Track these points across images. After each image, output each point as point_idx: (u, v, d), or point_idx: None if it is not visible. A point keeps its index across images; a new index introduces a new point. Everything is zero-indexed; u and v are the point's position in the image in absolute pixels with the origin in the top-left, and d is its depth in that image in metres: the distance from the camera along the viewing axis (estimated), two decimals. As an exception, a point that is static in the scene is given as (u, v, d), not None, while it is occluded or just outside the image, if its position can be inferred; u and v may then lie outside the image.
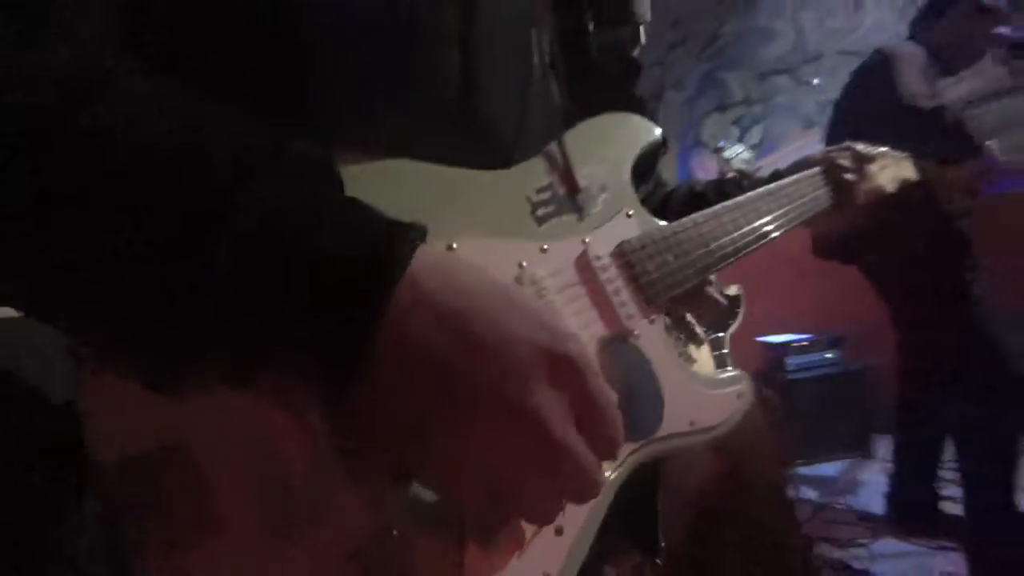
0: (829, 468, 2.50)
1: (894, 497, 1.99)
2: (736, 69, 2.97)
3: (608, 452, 0.31)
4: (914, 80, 1.65)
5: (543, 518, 0.31)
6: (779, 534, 1.35)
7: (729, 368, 0.59)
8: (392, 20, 0.39)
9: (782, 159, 3.04)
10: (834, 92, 2.72)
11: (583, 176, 0.48)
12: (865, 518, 2.05)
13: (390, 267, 0.26)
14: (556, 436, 0.28)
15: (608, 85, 0.61)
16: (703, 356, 0.71)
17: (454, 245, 0.37)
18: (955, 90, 1.67)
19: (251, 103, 0.29)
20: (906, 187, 0.90)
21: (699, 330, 0.69)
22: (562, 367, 0.29)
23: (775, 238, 0.63)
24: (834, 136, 1.90)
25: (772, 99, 2.92)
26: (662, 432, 0.46)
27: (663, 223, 0.53)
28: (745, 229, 0.60)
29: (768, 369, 2.58)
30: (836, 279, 2.06)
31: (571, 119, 0.51)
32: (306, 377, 0.27)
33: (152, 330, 0.26)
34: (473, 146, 0.43)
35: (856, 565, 1.86)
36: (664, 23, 3.17)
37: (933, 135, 1.66)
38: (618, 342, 0.46)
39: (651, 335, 0.48)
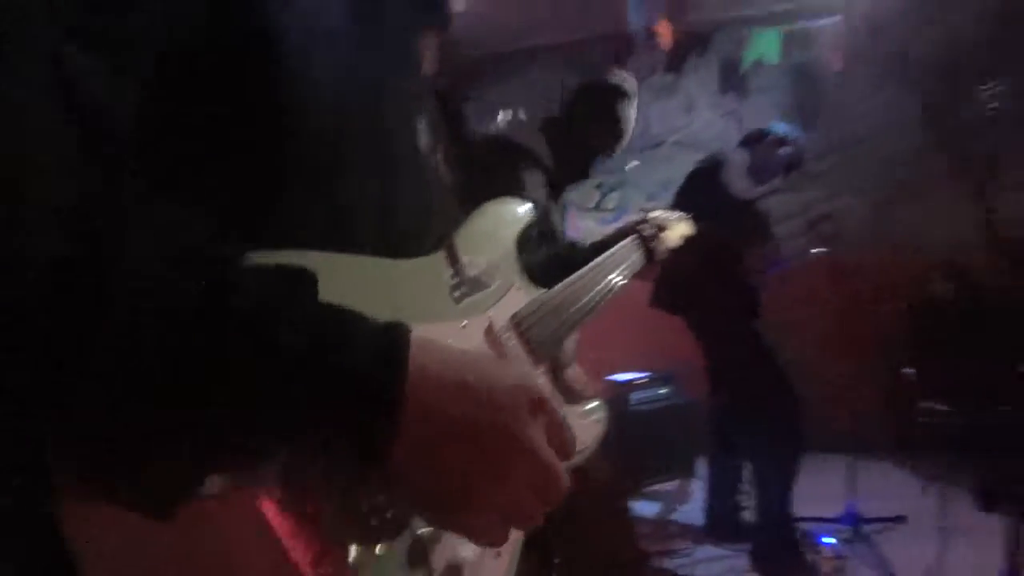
0: (666, 487, 2.90)
1: (708, 509, 2.38)
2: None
3: (571, 450, 0.40)
4: (738, 179, 2.11)
5: (528, 526, 0.38)
6: (617, 548, 1.57)
7: (591, 401, 0.70)
8: (324, 126, 0.43)
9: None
10: (668, 174, 3.29)
11: (480, 259, 0.57)
12: (688, 529, 2.43)
13: (402, 363, 0.32)
14: (545, 459, 0.35)
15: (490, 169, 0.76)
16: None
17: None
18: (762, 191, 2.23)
19: (219, 206, 0.34)
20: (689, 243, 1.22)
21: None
22: (535, 403, 0.36)
23: (617, 292, 0.83)
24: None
25: (624, 173, 3.46)
26: None
27: (543, 291, 0.66)
28: (600, 287, 0.77)
29: (615, 403, 2.95)
30: (668, 326, 2.48)
31: (466, 205, 0.62)
32: (342, 456, 0.33)
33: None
34: (394, 236, 0.48)
35: (681, 572, 2.18)
36: (534, 94, 3.61)
37: (745, 222, 2.16)
38: None
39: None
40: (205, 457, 0.30)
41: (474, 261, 0.55)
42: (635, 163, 3.39)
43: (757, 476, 2.18)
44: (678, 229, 1.18)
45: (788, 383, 2.11)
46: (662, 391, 2.94)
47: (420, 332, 0.34)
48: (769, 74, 3.23)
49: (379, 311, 0.35)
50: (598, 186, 3.46)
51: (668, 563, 2.23)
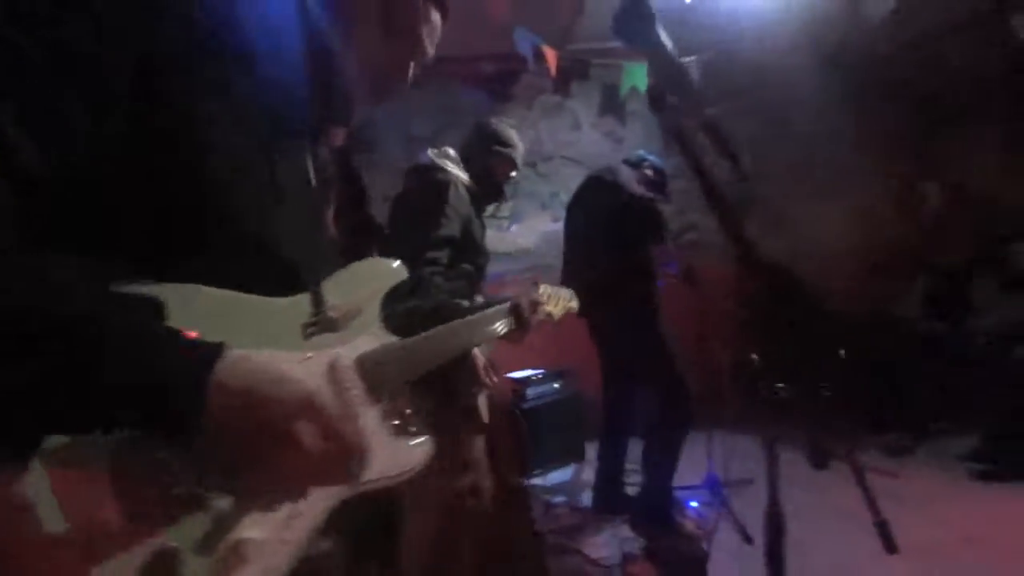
0: (561, 473, 3.13)
1: (595, 487, 2.62)
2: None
3: (352, 452, 0.55)
4: (633, 186, 2.36)
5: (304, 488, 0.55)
6: (515, 533, 1.73)
7: (418, 436, 0.77)
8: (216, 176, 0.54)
9: (526, 230, 3.84)
10: (558, 186, 3.56)
11: (345, 304, 0.68)
12: (578, 509, 2.66)
13: (206, 367, 0.46)
14: (309, 449, 0.49)
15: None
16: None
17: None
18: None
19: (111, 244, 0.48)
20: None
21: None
22: (312, 411, 0.50)
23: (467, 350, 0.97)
24: (569, 222, 2.58)
25: (518, 185, 3.69)
26: (368, 478, 0.67)
27: (396, 339, 0.76)
28: (452, 346, 0.88)
29: (515, 398, 3.13)
30: (563, 326, 2.72)
31: (348, 256, 0.73)
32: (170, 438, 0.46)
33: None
34: (275, 278, 0.59)
35: (571, 545, 2.39)
36: (439, 104, 3.74)
37: (639, 224, 2.40)
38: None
39: (370, 415, 0.69)
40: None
41: (335, 306, 0.66)
42: (528, 172, 3.61)
43: (647, 455, 2.44)
44: (562, 305, 1.31)
45: (681, 371, 2.38)
46: (555, 385, 3.18)
47: (257, 354, 0.49)
48: (641, 102, 3.67)
49: (233, 336, 0.50)
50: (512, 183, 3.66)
51: (562, 539, 2.43)
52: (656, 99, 0.83)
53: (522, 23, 3.02)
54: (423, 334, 0.80)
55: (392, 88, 0.77)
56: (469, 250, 1.69)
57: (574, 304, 1.38)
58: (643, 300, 2.40)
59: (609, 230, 2.34)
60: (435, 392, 1.55)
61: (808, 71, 3.70)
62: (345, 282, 0.70)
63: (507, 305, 1.09)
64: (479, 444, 1.61)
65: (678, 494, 2.60)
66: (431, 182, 1.67)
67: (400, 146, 3.70)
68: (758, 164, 4.01)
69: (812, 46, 3.10)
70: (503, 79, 3.57)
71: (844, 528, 2.32)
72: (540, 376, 3.15)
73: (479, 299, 1.75)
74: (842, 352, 3.29)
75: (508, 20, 2.87)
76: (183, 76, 0.51)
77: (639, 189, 2.39)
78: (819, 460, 3.04)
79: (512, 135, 1.90)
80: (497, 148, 1.86)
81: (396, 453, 0.73)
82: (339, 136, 0.78)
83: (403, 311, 0.95)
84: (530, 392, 3.09)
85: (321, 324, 0.64)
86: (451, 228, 1.61)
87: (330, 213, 0.75)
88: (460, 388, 1.59)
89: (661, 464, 2.38)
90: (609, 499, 2.56)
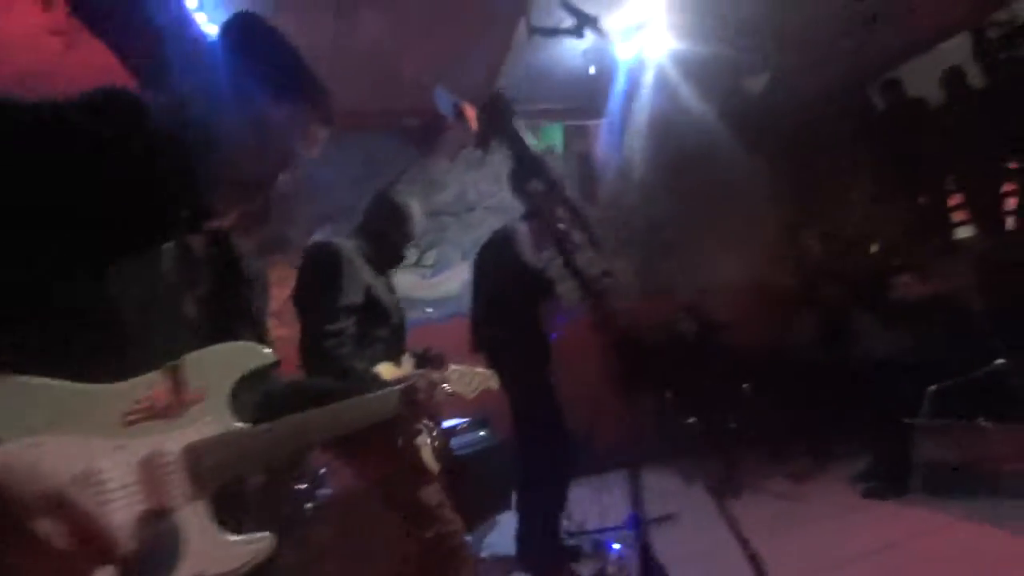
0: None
1: (518, 536, 2.60)
2: (416, 206, 3.79)
3: (102, 550, 0.53)
4: (527, 249, 2.45)
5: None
6: None
7: (251, 534, 0.73)
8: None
9: (449, 278, 3.90)
10: (480, 235, 3.66)
11: (187, 391, 0.66)
12: (500, 559, 2.62)
13: None
14: (45, 540, 0.49)
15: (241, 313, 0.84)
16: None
17: (38, 441, 0.53)
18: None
19: None
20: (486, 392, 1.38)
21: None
22: (61, 505, 0.51)
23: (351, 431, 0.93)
24: (477, 281, 2.65)
25: (442, 233, 3.78)
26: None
27: (241, 426, 0.72)
28: (322, 429, 0.85)
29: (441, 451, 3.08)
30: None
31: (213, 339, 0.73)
32: None
33: None
34: (103, 366, 0.59)
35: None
36: (360, 155, 3.79)
37: (527, 285, 2.51)
38: (158, 515, 0.64)
39: (190, 511, 0.66)
40: None
41: (160, 393, 0.65)
42: (451, 221, 3.72)
43: (526, 500, 2.49)
44: (476, 384, 1.34)
45: (563, 423, 2.49)
46: (481, 433, 3.17)
47: (16, 444, 0.50)
48: (556, 158, 3.94)
49: (41, 424, 0.52)
50: (416, 244, 3.71)
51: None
52: (517, 183, 0.93)
53: (443, 82, 3.17)
54: (284, 419, 0.78)
55: (253, 195, 0.80)
56: (379, 314, 1.71)
57: (493, 383, 1.42)
58: (536, 355, 2.50)
59: (500, 290, 2.46)
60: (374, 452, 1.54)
61: (706, 133, 4.16)
62: (195, 366, 0.69)
63: (401, 387, 1.08)
64: (433, 493, 1.64)
65: (600, 536, 2.65)
66: (324, 255, 1.69)
67: (322, 195, 3.68)
68: (671, 213, 4.38)
69: (703, 112, 3.49)
70: (428, 132, 3.69)
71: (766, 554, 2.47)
72: (465, 425, 3.13)
73: (405, 357, 1.76)
74: (746, 386, 3.55)
75: (427, 79, 3.01)
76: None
77: (529, 252, 2.49)
78: (733, 489, 3.22)
79: (411, 207, 1.96)
80: (395, 220, 1.91)
81: (218, 549, 0.68)
82: (227, 219, 0.80)
83: (284, 391, 0.95)
84: (455, 442, 3.06)
85: (148, 411, 0.63)
86: (349, 297, 1.62)
87: (193, 296, 0.75)
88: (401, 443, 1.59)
89: (546, 510, 2.44)
90: (534, 547, 2.55)
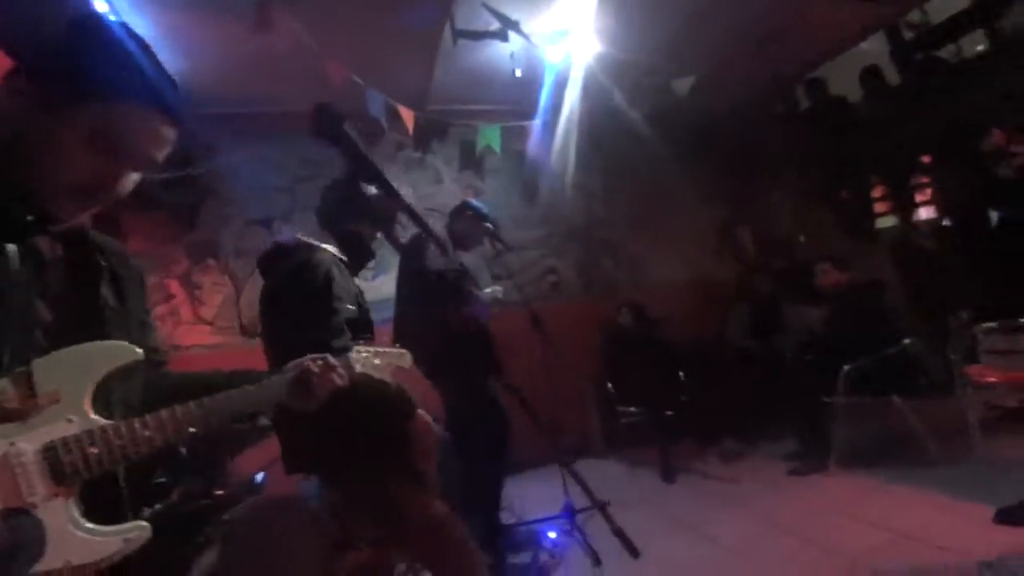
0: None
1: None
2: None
3: None
4: (434, 256, 2.46)
5: None
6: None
7: (122, 524, 0.76)
8: None
9: (390, 280, 3.90)
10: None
11: (40, 392, 0.68)
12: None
13: None
14: None
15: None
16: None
17: None
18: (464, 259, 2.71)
19: None
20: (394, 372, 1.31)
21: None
22: None
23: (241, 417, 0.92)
24: (397, 285, 2.67)
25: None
26: (41, 568, 0.68)
27: (103, 423, 0.74)
28: (213, 417, 0.84)
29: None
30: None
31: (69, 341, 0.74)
32: None
33: None
34: None
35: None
36: (296, 156, 3.77)
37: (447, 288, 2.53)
38: (17, 512, 0.68)
39: (53, 506, 0.70)
40: None
41: (38, 389, 0.68)
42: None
43: (467, 495, 2.52)
44: (384, 362, 1.26)
45: (496, 419, 2.53)
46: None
47: None
48: (497, 159, 3.99)
49: None
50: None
51: None
52: (354, 188, 0.96)
53: (375, 86, 3.19)
54: (155, 413, 0.80)
55: (96, 198, 0.78)
56: (363, 326, 1.54)
57: (404, 361, 1.33)
58: (456, 353, 2.50)
59: (413, 295, 2.48)
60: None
61: (638, 135, 4.29)
62: (49, 368, 0.71)
63: (292, 373, 1.04)
64: (439, 505, 1.52)
65: (538, 526, 2.72)
66: (309, 267, 1.46)
67: (256, 198, 3.64)
68: (609, 212, 4.50)
69: (633, 114, 3.60)
70: (365, 134, 3.69)
71: (684, 535, 2.59)
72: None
73: None
74: (681, 374, 3.70)
75: (359, 82, 3.02)
76: None
77: (439, 257, 2.46)
78: (668, 475, 3.36)
79: (378, 194, 1.69)
80: (370, 217, 1.68)
81: (85, 541, 0.72)
82: (76, 221, 0.81)
83: (177, 384, 0.96)
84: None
85: (3, 410, 0.66)
86: (346, 311, 1.46)
87: (46, 299, 0.76)
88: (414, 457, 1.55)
89: (484, 501, 2.50)
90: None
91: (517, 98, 3.68)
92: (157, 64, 0.81)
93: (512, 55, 3.05)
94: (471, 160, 4.04)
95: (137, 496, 0.90)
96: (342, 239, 1.60)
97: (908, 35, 4.45)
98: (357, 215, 1.65)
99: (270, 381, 1.00)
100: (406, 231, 3.25)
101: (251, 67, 3.16)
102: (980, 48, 4.22)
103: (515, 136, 3.86)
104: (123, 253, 0.96)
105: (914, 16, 4.47)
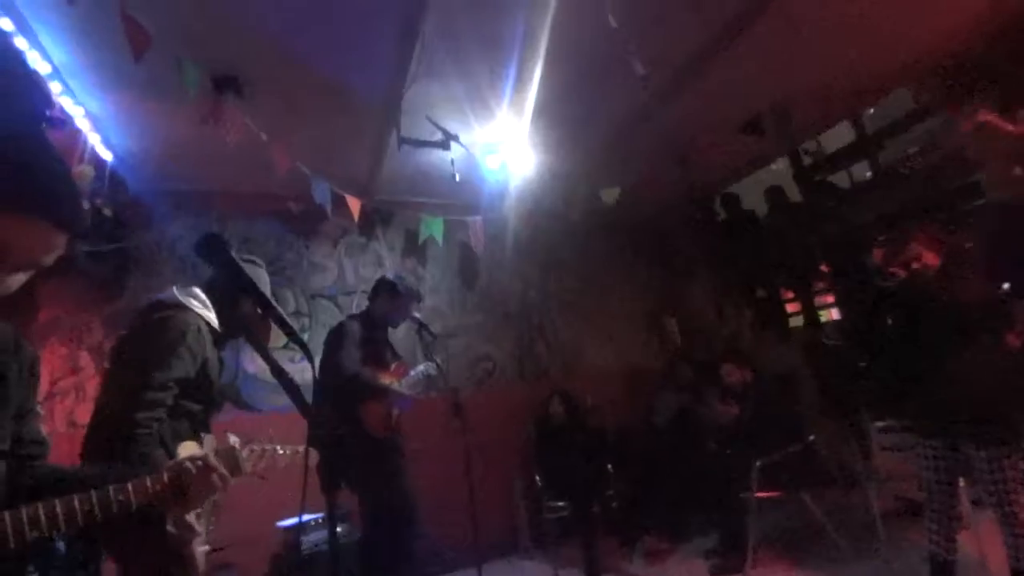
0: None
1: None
2: (292, 287, 3.82)
3: None
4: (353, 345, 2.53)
5: None
6: None
7: None
8: None
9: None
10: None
11: None
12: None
13: None
14: None
15: None
16: None
17: None
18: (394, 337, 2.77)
19: None
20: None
21: None
22: None
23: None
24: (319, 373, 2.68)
25: (318, 315, 3.81)
26: None
27: None
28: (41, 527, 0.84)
29: (287, 550, 2.91)
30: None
31: None
32: None
33: None
34: None
35: None
36: (236, 235, 3.81)
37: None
38: None
39: None
40: None
41: None
42: (328, 304, 3.76)
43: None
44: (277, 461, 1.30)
45: (407, 517, 2.51)
46: (339, 528, 3.04)
47: None
48: (438, 247, 4.18)
49: None
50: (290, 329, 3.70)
51: None
52: (231, 305, 1.05)
53: (322, 174, 3.36)
54: (14, 511, 0.82)
55: None
56: (202, 389, 1.64)
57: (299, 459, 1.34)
58: (371, 451, 2.53)
59: (330, 386, 2.53)
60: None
61: (572, 232, 4.64)
62: None
63: (166, 474, 1.03)
64: None
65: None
66: (169, 323, 1.59)
67: (188, 271, 3.62)
68: (544, 299, 4.71)
69: (565, 216, 3.92)
70: (309, 218, 3.81)
71: None
72: (320, 520, 3.00)
73: (204, 436, 1.70)
74: (609, 467, 3.74)
75: (306, 170, 3.17)
76: None
77: (353, 348, 2.59)
78: (593, 573, 3.28)
79: (262, 277, 1.90)
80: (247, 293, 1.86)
81: None
82: None
83: (36, 480, 0.96)
84: (306, 540, 2.91)
85: None
86: (182, 369, 1.56)
87: None
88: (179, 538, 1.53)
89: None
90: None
91: (459, 195, 3.94)
92: (62, 178, 0.86)
93: (452, 161, 3.33)
94: (414, 247, 4.21)
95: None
96: (225, 316, 1.73)
97: (806, 160, 5.15)
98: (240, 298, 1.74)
99: (140, 481, 0.99)
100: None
101: (199, 150, 3.28)
102: (868, 175, 4.96)
103: (457, 227, 4.09)
104: (10, 343, 0.97)
105: (811, 144, 5.22)
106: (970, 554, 2.47)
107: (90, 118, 2.81)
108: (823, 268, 4.94)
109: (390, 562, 2.41)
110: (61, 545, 2.25)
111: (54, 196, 0.83)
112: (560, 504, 3.59)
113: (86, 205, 2.76)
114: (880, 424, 3.58)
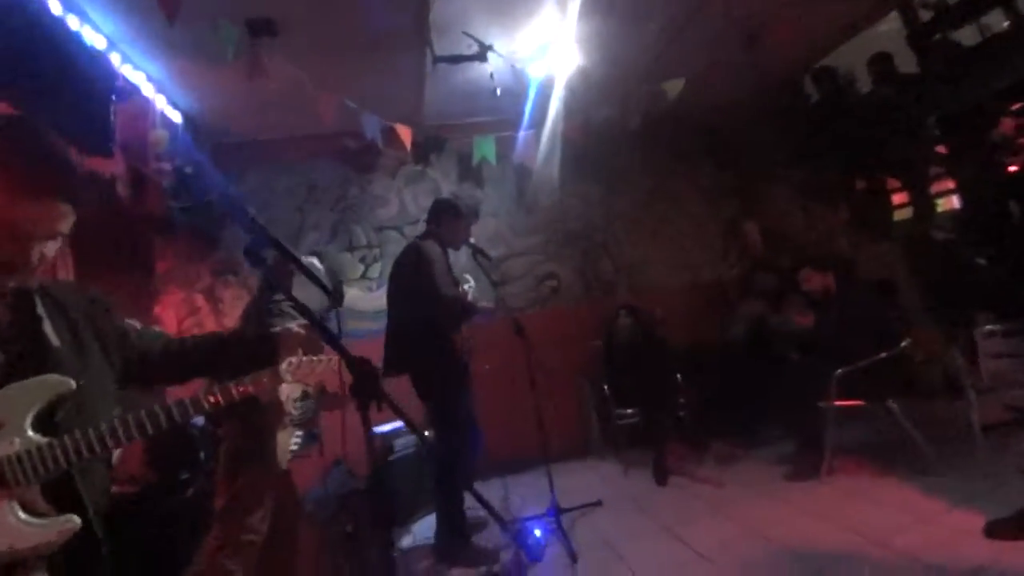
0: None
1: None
2: (359, 222, 4.01)
3: None
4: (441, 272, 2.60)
5: None
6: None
7: (57, 517, 0.98)
8: None
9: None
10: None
11: None
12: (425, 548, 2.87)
13: None
14: None
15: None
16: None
17: None
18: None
19: None
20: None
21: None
22: None
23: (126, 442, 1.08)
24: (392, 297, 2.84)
25: (385, 246, 4.00)
26: None
27: (41, 441, 0.97)
28: (96, 444, 1.02)
29: (382, 452, 3.32)
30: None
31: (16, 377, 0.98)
32: None
33: None
34: None
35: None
36: (303, 184, 4.02)
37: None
38: None
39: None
40: None
41: None
42: (394, 235, 3.92)
43: (436, 494, 2.71)
44: (319, 371, 1.45)
45: (474, 428, 2.70)
46: (427, 433, 3.38)
47: None
48: (494, 169, 4.11)
49: None
50: (361, 259, 3.95)
51: None
52: (253, 256, 1.12)
53: (370, 108, 3.37)
54: (74, 432, 1.00)
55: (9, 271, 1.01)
56: None
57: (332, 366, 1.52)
58: (439, 357, 2.63)
59: (411, 308, 2.63)
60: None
61: (635, 140, 4.31)
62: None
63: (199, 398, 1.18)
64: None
65: (527, 523, 2.87)
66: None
67: (269, 222, 3.91)
68: (608, 217, 4.54)
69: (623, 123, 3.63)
70: (366, 153, 3.90)
71: (665, 539, 2.67)
72: (405, 429, 3.36)
73: None
74: (679, 376, 3.74)
75: (354, 107, 3.20)
76: None
77: (440, 269, 2.62)
78: (660, 477, 3.42)
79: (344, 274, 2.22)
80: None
81: (24, 531, 0.95)
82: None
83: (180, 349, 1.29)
84: (398, 444, 3.30)
85: None
86: None
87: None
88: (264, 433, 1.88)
89: (449, 501, 2.63)
90: (445, 543, 2.69)
91: (505, 111, 3.78)
92: (60, 157, 1.03)
93: (492, 75, 3.16)
94: (469, 171, 4.19)
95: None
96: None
97: (924, 15, 4.23)
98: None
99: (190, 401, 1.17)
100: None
101: (254, 101, 3.41)
102: (1004, 25, 3.97)
103: (512, 147, 3.97)
104: (77, 294, 1.17)
105: (930, -3, 4.24)
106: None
107: (153, 83, 3.01)
108: (940, 150, 4.20)
109: (461, 471, 2.67)
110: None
111: (58, 175, 1.00)
112: (629, 412, 3.70)
113: (168, 167, 3.03)
114: (989, 328, 3.17)
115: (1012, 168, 3.17)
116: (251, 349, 1.37)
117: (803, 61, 4.35)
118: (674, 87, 3.57)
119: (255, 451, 1.87)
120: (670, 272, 4.55)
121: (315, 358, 1.51)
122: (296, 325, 1.48)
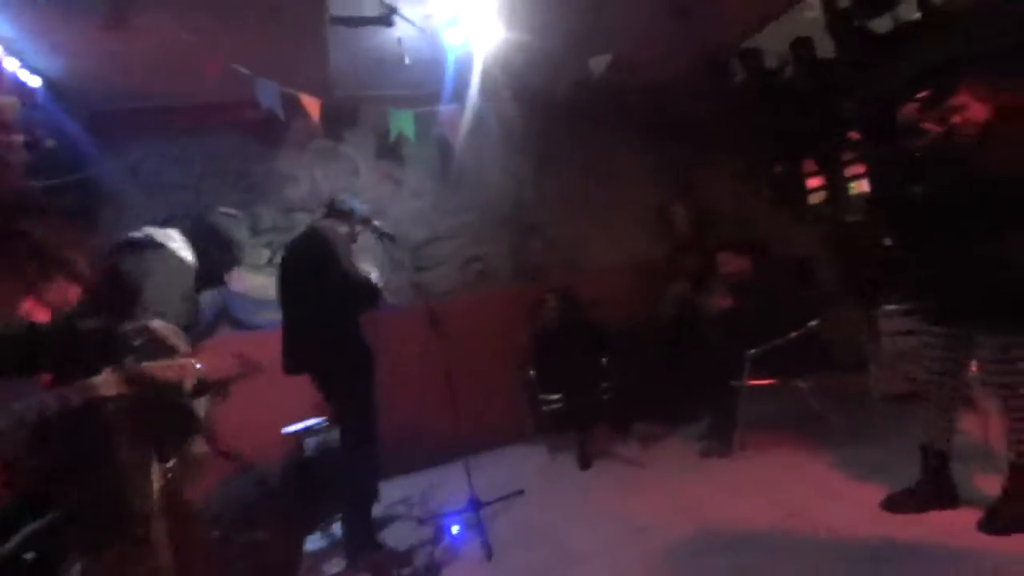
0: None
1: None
2: (265, 203, 3.68)
3: None
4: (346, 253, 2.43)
5: None
6: None
7: None
8: None
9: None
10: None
11: None
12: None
13: None
14: None
15: None
16: None
17: None
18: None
19: None
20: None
21: None
22: None
23: None
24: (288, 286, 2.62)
25: (295, 230, 3.69)
26: None
27: None
28: None
29: (293, 452, 3.11)
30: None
31: None
32: None
33: None
34: None
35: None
36: (200, 152, 3.62)
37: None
38: None
39: None
40: None
41: None
42: (304, 217, 3.64)
43: (342, 491, 2.58)
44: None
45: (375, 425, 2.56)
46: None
47: None
48: (416, 146, 3.87)
49: None
50: (267, 244, 3.63)
51: None
52: None
53: (267, 74, 3.04)
54: None
55: None
56: None
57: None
58: (348, 347, 2.50)
59: (315, 295, 2.45)
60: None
61: (563, 116, 4.18)
62: None
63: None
64: None
65: (444, 520, 2.77)
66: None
67: (159, 195, 3.51)
68: (539, 195, 4.42)
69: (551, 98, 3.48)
70: (270, 124, 3.54)
71: (596, 520, 2.64)
72: (322, 425, 3.16)
73: None
74: (604, 360, 3.72)
75: (238, 74, 2.86)
76: None
77: (347, 252, 2.47)
78: (584, 462, 3.41)
79: (235, 234, 2.01)
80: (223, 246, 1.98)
81: None
82: None
83: None
84: (310, 442, 3.09)
85: None
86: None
87: None
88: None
89: (357, 500, 2.51)
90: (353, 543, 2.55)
91: (423, 83, 3.54)
92: None
93: (400, 40, 2.90)
94: (387, 148, 3.92)
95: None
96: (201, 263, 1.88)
97: (844, 2, 4.31)
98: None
99: None
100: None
101: (136, 63, 2.98)
102: (916, 16, 4.11)
103: (434, 123, 3.74)
104: None
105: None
106: (964, 446, 2.36)
107: (0, 42, 2.55)
108: (853, 135, 4.35)
109: (371, 468, 2.53)
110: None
111: None
112: (554, 398, 3.65)
113: (18, 139, 2.61)
114: (889, 307, 3.33)
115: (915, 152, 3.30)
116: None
117: (733, 41, 4.34)
118: (599, 63, 3.46)
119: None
120: (604, 253, 4.50)
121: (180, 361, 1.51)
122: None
